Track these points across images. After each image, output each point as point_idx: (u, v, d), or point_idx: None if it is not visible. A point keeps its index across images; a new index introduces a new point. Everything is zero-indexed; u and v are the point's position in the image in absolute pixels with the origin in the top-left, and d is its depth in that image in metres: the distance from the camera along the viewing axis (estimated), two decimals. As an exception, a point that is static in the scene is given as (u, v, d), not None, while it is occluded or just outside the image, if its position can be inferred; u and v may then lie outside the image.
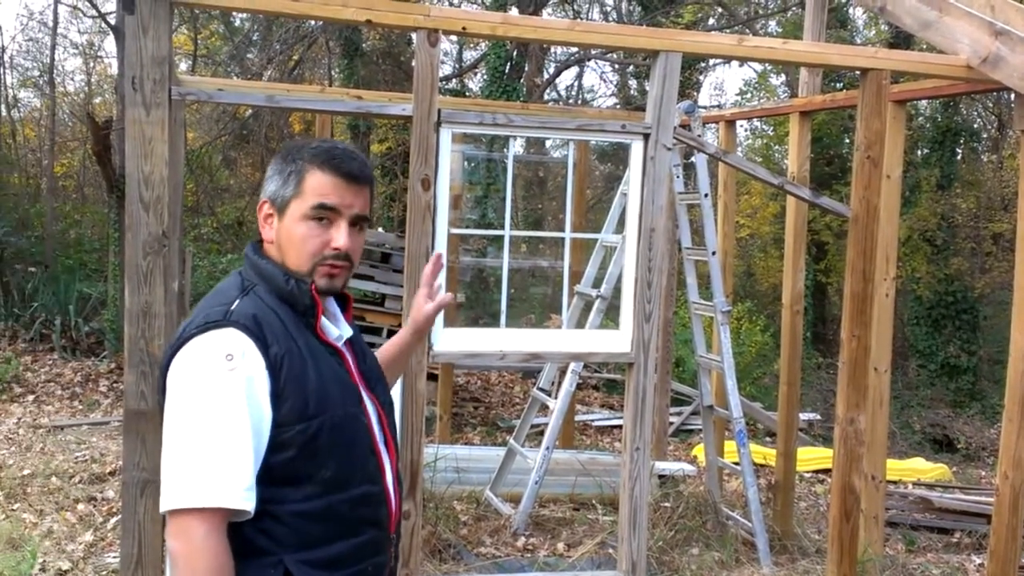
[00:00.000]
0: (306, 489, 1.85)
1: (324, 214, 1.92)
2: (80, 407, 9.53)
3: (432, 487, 6.40)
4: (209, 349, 1.80)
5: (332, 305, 2.08)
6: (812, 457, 8.88)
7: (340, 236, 1.93)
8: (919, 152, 17.12)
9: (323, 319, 1.98)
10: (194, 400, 1.77)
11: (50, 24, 16.84)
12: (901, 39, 14.50)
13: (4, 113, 17.11)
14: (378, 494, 1.98)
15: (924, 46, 10.82)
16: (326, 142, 2.00)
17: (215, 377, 1.77)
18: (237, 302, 1.87)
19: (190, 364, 1.81)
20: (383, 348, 2.47)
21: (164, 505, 1.74)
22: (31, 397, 9.68)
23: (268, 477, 1.81)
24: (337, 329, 2.03)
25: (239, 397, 1.76)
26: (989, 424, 13.74)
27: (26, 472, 6.95)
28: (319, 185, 1.92)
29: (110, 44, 17.75)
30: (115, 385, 10.19)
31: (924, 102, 15.85)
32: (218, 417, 1.75)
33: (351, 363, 2.04)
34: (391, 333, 8.57)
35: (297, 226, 1.93)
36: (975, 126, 18.90)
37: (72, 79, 20.19)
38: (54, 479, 6.84)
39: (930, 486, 8.26)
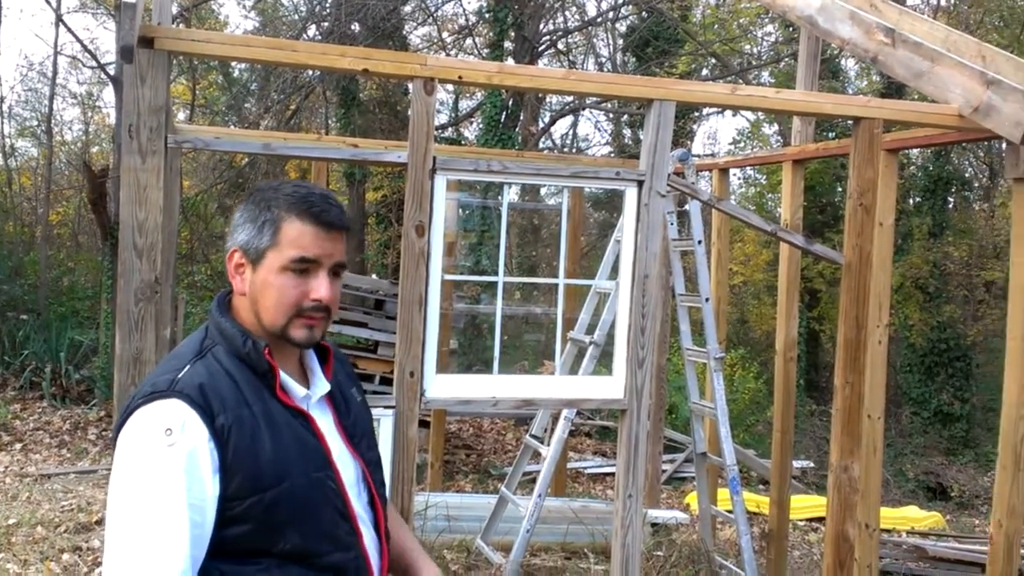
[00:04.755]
0: (265, 562, 1.77)
1: (304, 266, 1.84)
2: (68, 455, 9.45)
3: (423, 535, 6.34)
4: (150, 423, 1.72)
5: (312, 360, 2.01)
6: (806, 505, 8.83)
7: (321, 287, 1.85)
8: (911, 200, 17.25)
9: (287, 379, 1.89)
10: (130, 480, 1.70)
11: (49, 75, 16.97)
12: (893, 89, 14.65)
13: (1, 162, 17.16)
14: (352, 561, 1.88)
15: (916, 95, 10.95)
16: (301, 187, 1.90)
17: (153, 454, 1.69)
18: (187, 368, 1.79)
19: (131, 439, 1.74)
20: (406, 539, 2.25)
21: None
22: (19, 445, 9.61)
23: (223, 551, 1.74)
24: (304, 388, 1.93)
25: (176, 475, 1.68)
26: (983, 472, 13.68)
27: (11, 521, 6.88)
28: (298, 236, 1.83)
29: (109, 94, 17.89)
30: (104, 433, 10.12)
31: (916, 151, 16.02)
32: (152, 500, 1.67)
33: (328, 420, 1.96)
34: (383, 380, 8.55)
35: (274, 278, 1.84)
36: (966, 175, 19.06)
37: (70, 128, 20.34)
38: (39, 528, 6.76)
39: (924, 534, 8.21)
